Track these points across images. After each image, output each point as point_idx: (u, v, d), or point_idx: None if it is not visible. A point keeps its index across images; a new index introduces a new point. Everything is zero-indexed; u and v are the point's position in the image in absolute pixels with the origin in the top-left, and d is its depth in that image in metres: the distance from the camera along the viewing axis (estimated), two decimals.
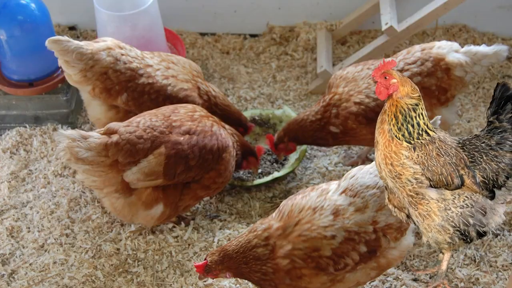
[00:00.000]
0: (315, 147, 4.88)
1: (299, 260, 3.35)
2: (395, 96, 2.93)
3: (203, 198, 4.26)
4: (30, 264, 4.17)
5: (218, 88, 4.80)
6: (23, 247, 4.27)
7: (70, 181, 4.64)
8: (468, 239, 3.00)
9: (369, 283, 3.93)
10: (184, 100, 4.37)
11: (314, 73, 5.43)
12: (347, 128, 4.27)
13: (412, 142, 2.92)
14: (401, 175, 2.91)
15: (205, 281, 3.97)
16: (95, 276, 4.07)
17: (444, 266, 3.14)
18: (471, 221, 2.95)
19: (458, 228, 2.95)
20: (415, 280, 3.25)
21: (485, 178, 2.95)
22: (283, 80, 5.44)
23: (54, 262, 4.16)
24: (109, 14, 4.84)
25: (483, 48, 4.10)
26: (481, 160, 2.95)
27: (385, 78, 2.94)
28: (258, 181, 4.60)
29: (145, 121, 3.99)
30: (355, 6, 5.57)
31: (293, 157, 4.77)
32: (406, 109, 2.92)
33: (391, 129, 2.92)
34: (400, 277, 3.97)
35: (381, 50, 5.11)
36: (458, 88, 4.19)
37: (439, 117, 3.39)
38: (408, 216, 3.07)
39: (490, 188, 2.97)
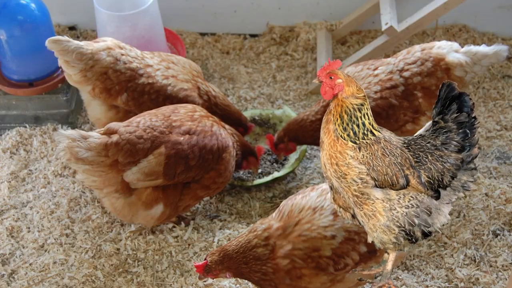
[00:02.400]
0: (315, 147, 4.88)
1: (299, 260, 3.35)
2: (341, 96, 2.93)
3: (203, 198, 4.26)
4: (30, 264, 4.17)
5: (218, 88, 4.81)
6: (23, 247, 4.27)
7: (70, 181, 4.64)
8: (414, 239, 2.99)
9: (369, 283, 3.93)
10: (184, 100, 4.37)
11: (314, 73, 5.43)
12: None
13: (357, 142, 2.91)
14: (346, 175, 2.90)
15: (205, 281, 3.97)
16: (95, 276, 4.07)
17: (389, 266, 3.13)
18: (416, 221, 2.95)
19: (403, 228, 2.95)
20: (360, 280, 3.25)
21: (430, 178, 2.94)
22: (283, 80, 5.45)
23: (54, 262, 4.16)
24: (109, 14, 4.84)
25: (483, 48, 4.09)
26: (426, 160, 2.94)
27: (331, 78, 2.95)
28: (258, 181, 4.61)
29: (145, 121, 3.99)
30: (355, 6, 5.57)
31: (293, 157, 4.77)
32: (352, 109, 2.91)
33: (337, 129, 2.92)
34: (400, 277, 3.98)
35: (381, 50, 5.11)
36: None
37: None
38: (354, 216, 3.07)
39: (436, 188, 2.96)
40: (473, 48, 4.11)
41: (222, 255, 3.40)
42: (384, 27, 4.98)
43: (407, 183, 2.92)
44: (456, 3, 4.83)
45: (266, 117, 5.03)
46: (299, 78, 5.44)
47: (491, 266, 4.04)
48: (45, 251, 4.24)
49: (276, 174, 4.65)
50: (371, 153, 2.90)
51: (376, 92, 4.15)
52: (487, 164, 4.65)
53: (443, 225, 3.05)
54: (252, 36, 5.81)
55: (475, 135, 2.98)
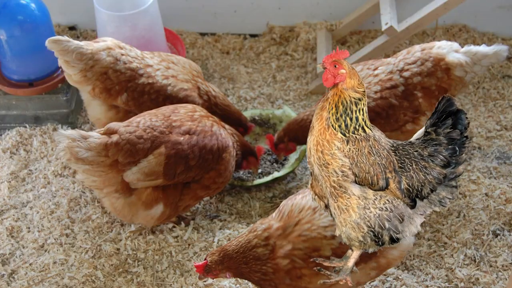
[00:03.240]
0: None
1: (299, 260, 3.35)
2: (341, 86, 2.93)
3: (203, 198, 4.26)
4: (30, 264, 4.17)
5: (218, 88, 4.80)
6: (23, 247, 4.27)
7: (70, 181, 4.64)
8: (380, 242, 2.99)
9: (369, 283, 3.93)
10: (184, 100, 4.37)
11: (314, 73, 5.43)
12: None
13: (347, 135, 2.91)
14: (328, 164, 2.90)
15: (205, 281, 3.97)
16: (95, 276, 4.07)
17: (350, 263, 3.12)
18: (387, 225, 2.95)
19: (372, 229, 2.95)
20: (318, 270, 3.24)
21: (410, 186, 2.94)
22: (283, 80, 5.44)
23: (54, 262, 4.16)
24: (109, 14, 4.84)
25: (483, 48, 4.10)
26: (410, 168, 2.94)
27: (335, 66, 2.95)
28: (258, 181, 4.61)
29: (145, 121, 3.99)
30: (355, 6, 5.57)
31: (293, 157, 4.77)
32: (348, 101, 2.91)
33: (330, 117, 2.92)
34: (400, 277, 3.98)
35: (381, 50, 5.11)
36: (458, 88, 4.19)
37: None
38: (327, 206, 3.07)
39: (413, 197, 2.96)
40: (473, 48, 4.12)
41: (222, 255, 3.40)
42: (384, 27, 4.98)
43: (386, 186, 2.92)
44: (456, 3, 4.84)
45: (266, 117, 5.03)
46: (299, 78, 5.44)
47: (491, 266, 4.04)
48: (45, 251, 4.24)
49: (276, 174, 4.65)
50: (358, 149, 2.90)
51: (376, 92, 4.16)
52: (487, 164, 4.65)
53: (412, 234, 3.04)
54: (252, 36, 5.81)
55: (463, 154, 2.99)
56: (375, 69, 4.25)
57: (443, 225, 4.27)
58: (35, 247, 4.25)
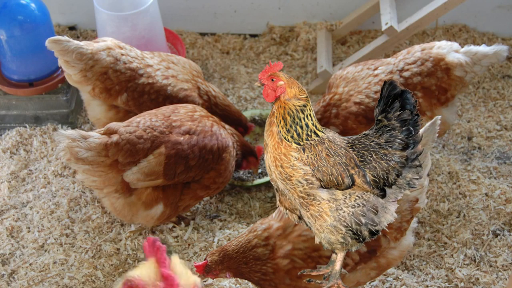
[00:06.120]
0: None
1: (299, 260, 3.35)
2: (283, 98, 2.93)
3: (203, 198, 4.26)
4: (30, 264, 4.17)
5: (218, 88, 4.80)
6: (23, 247, 4.27)
7: (70, 181, 4.64)
8: (361, 238, 2.99)
9: (369, 283, 3.93)
10: (184, 100, 4.37)
11: (314, 73, 5.43)
12: (347, 128, 4.27)
13: (301, 143, 2.91)
14: (291, 176, 2.90)
15: (205, 281, 3.97)
16: (95, 276, 4.07)
17: (337, 266, 3.12)
18: (363, 220, 2.94)
19: (350, 228, 2.94)
20: (309, 281, 3.23)
21: (375, 177, 2.94)
22: None
23: (54, 262, 4.16)
24: (109, 14, 4.84)
25: (483, 48, 4.10)
26: (371, 159, 2.94)
27: (272, 80, 2.94)
28: (258, 181, 4.61)
29: (145, 121, 3.99)
30: (355, 6, 5.57)
31: None
32: (294, 111, 2.91)
33: (280, 131, 2.92)
34: (400, 277, 3.98)
35: (381, 50, 5.11)
36: (458, 88, 4.19)
37: (439, 117, 3.38)
38: (300, 217, 3.06)
39: (381, 187, 2.96)
40: (473, 48, 4.12)
41: (222, 255, 3.40)
42: (384, 27, 4.98)
43: (353, 183, 2.92)
44: (456, 3, 4.84)
45: (266, 117, 5.03)
46: (299, 78, 5.44)
47: (491, 266, 4.04)
48: (45, 251, 4.24)
49: None
50: (316, 154, 2.90)
51: (376, 92, 4.15)
52: (487, 164, 4.65)
53: (389, 223, 3.04)
54: (252, 36, 5.81)
55: (419, 132, 2.99)
56: (375, 69, 4.25)
57: (443, 225, 4.27)
58: (35, 247, 4.25)
